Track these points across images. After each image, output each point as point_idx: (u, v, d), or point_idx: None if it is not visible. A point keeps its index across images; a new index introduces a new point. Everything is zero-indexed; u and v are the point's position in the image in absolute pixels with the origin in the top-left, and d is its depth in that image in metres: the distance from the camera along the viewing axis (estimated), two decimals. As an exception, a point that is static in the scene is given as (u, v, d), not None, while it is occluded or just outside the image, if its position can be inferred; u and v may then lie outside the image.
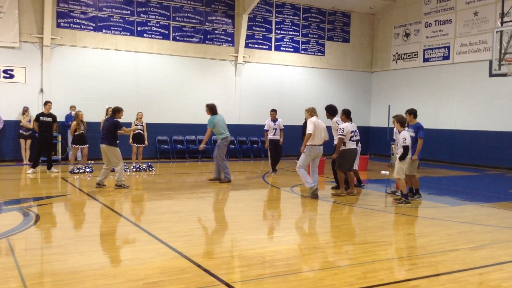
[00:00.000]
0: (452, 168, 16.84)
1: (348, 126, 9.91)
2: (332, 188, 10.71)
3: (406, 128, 9.68)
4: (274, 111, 13.73)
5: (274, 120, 13.58)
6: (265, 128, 13.75)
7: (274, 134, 13.50)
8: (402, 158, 9.09)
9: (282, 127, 13.66)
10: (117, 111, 10.78)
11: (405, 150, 9.04)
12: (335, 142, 10.28)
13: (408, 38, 20.09)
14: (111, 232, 6.83)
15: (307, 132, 9.57)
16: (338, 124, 10.20)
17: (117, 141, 10.62)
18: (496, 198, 10.84)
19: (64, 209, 8.67)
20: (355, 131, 10.15)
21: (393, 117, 9.52)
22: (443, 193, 11.71)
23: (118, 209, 8.43)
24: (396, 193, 10.01)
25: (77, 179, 11.99)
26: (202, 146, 12.16)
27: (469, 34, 17.61)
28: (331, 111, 10.45)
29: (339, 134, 9.89)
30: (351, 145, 9.98)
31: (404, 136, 9.07)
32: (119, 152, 10.51)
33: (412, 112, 9.81)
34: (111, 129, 10.46)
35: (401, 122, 9.29)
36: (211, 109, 11.79)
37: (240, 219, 7.91)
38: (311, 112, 10.03)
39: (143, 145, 14.09)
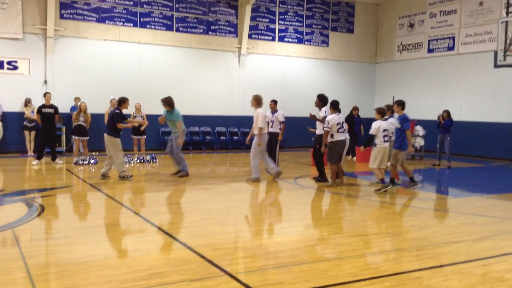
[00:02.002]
0: (456, 159, 16.78)
1: (334, 118, 9.80)
2: (314, 178, 10.88)
3: (393, 119, 9.96)
4: (273, 102, 12.72)
5: (273, 111, 12.58)
6: (265, 120, 13.37)
7: (271, 127, 12.24)
8: (366, 145, 9.73)
9: (282, 120, 12.19)
10: (122, 101, 10.56)
11: (368, 138, 9.61)
12: (317, 132, 10.55)
13: (412, 29, 19.96)
14: (115, 223, 6.86)
15: (259, 126, 10.26)
16: (326, 116, 10.09)
17: (119, 133, 10.51)
18: (500, 189, 10.83)
19: (68, 200, 8.71)
20: (342, 122, 9.99)
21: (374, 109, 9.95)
22: (447, 184, 11.70)
23: (122, 200, 8.46)
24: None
25: (82, 170, 12.04)
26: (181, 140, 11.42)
27: (474, 24, 17.47)
28: (324, 100, 10.53)
29: (325, 127, 9.83)
30: (339, 136, 9.87)
31: (373, 126, 9.50)
32: (119, 143, 10.37)
33: (400, 104, 9.84)
34: (110, 119, 10.40)
35: (381, 113, 9.67)
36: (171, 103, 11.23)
37: (244, 210, 7.93)
38: (259, 101, 10.41)
39: (144, 136, 14.04)
